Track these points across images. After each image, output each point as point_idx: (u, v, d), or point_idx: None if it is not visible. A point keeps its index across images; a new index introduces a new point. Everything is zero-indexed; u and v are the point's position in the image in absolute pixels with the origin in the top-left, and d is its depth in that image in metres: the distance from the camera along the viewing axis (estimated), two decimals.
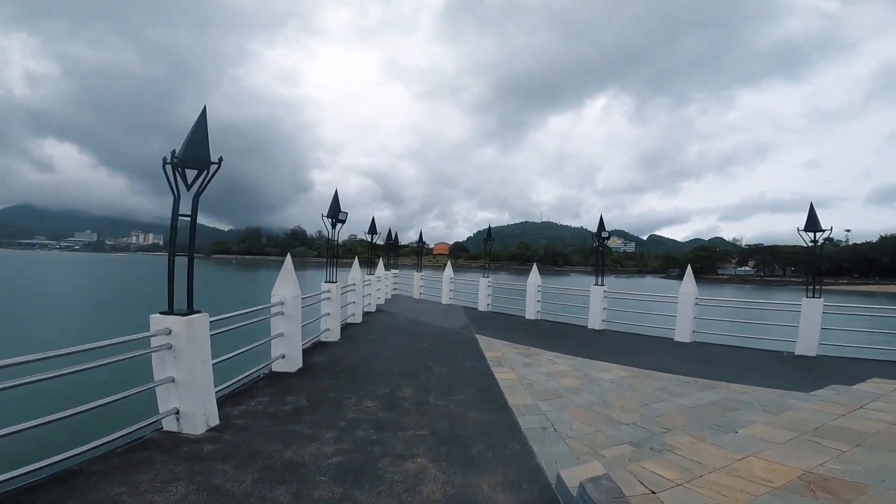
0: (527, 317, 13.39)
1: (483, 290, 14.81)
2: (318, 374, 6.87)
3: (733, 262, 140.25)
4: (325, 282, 9.17)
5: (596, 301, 11.80)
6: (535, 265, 13.70)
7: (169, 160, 4.09)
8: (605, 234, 11.53)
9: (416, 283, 18.36)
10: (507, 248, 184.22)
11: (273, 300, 6.83)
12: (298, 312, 6.98)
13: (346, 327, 10.92)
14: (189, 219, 4.33)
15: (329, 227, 8.94)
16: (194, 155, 4.19)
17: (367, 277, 13.75)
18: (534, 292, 13.22)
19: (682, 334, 10.22)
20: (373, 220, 13.64)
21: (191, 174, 4.24)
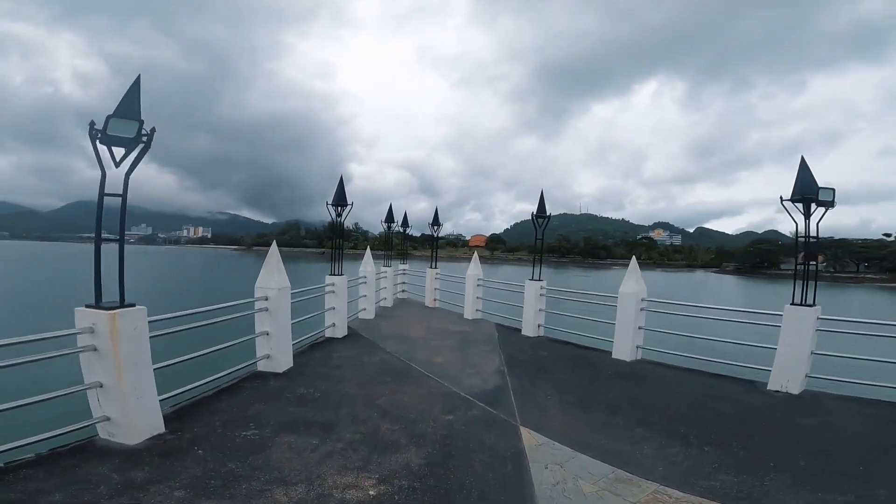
0: (617, 355, 7.13)
1: (532, 300, 8.59)
2: None
3: (800, 256, 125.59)
4: (89, 306, 3.38)
5: (799, 336, 5.39)
6: (633, 261, 7.31)
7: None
8: (828, 195, 5.14)
9: (429, 284, 12.35)
10: (545, 241, 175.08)
11: None
12: None
13: (233, 389, 5.09)
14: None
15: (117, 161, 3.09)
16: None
17: (330, 280, 7.92)
18: (633, 312, 6.91)
19: None
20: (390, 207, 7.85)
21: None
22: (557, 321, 8.93)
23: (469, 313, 10.38)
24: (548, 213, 8.49)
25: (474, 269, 10.41)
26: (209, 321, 5.01)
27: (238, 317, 5.53)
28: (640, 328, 7.01)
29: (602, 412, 4.95)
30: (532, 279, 8.65)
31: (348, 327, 8.51)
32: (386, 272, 11.97)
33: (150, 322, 4.44)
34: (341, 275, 8.00)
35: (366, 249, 10.43)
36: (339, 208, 7.89)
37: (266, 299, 5.57)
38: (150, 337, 4.04)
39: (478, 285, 10.34)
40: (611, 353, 7.27)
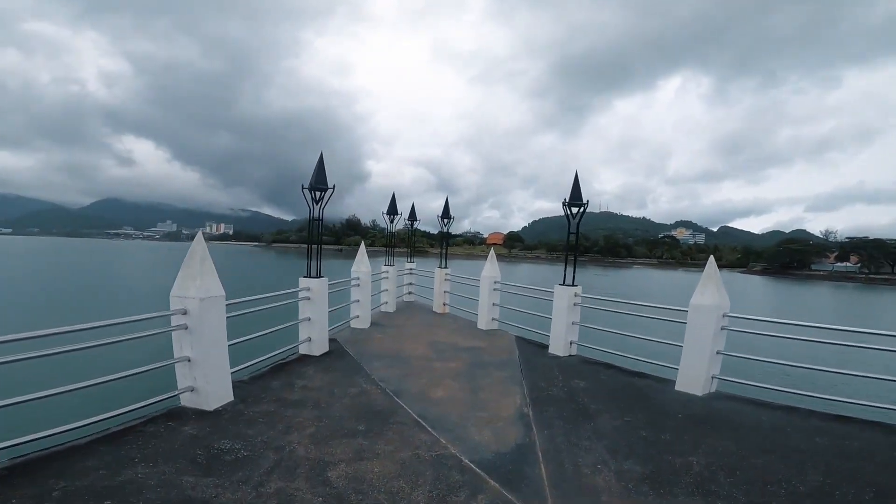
0: (683, 387, 5.23)
1: (564, 311, 6.70)
2: None
3: (831, 257, 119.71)
4: None
5: None
6: (711, 262, 5.32)
7: None
8: None
9: (438, 286, 10.58)
10: (564, 239, 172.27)
11: None
12: None
13: (123, 435, 3.38)
14: None
15: None
16: None
17: (304, 283, 6.25)
18: (710, 331, 5.00)
19: None
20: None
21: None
22: (594, 336, 7.06)
23: (483, 322, 8.58)
24: (584, 200, 6.61)
25: (490, 269, 8.60)
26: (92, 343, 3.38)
27: (144, 336, 3.87)
28: (718, 353, 5.10)
29: (691, 494, 3.11)
30: (564, 283, 6.78)
31: (331, 341, 6.83)
32: (387, 272, 10.25)
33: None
34: (319, 277, 6.29)
35: (360, 245, 8.72)
36: (318, 193, 6.19)
37: (184, 313, 3.88)
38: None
39: (494, 289, 8.52)
40: (673, 382, 5.39)
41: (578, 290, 6.73)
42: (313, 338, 6.26)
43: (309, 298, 6.14)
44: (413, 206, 11.64)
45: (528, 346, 7.34)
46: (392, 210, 10.50)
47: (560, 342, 6.79)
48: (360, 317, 8.23)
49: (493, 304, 8.55)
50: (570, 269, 6.72)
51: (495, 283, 8.51)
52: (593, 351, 6.81)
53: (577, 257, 6.70)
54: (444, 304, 10.45)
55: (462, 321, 9.40)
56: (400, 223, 10.75)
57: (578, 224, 6.58)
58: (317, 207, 6.18)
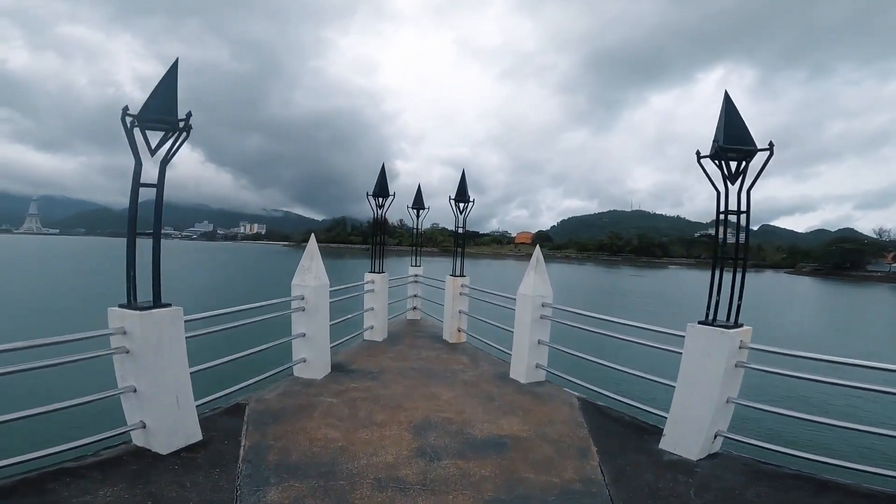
0: None
1: (716, 379, 3.01)
2: None
3: (888, 256, 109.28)
4: None
5: None
6: None
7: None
8: None
9: (451, 303, 7.01)
10: (594, 238, 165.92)
11: None
12: None
13: None
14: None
15: None
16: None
17: (118, 323, 2.78)
18: None
19: None
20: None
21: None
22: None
23: (521, 372, 4.96)
24: (760, 146, 2.93)
25: (535, 283, 4.92)
26: None
27: None
28: None
29: None
30: (711, 322, 3.10)
31: (230, 411, 3.46)
32: (372, 282, 6.78)
33: None
34: (159, 306, 2.86)
35: (310, 238, 5.22)
36: (165, 133, 2.78)
37: None
38: None
39: (542, 316, 4.88)
40: None
41: (746, 334, 3.03)
42: (150, 424, 2.83)
43: (127, 351, 2.71)
44: (419, 188, 8.08)
45: (612, 429, 3.70)
46: (381, 191, 6.94)
47: (696, 435, 3.12)
48: (308, 361, 4.78)
49: (539, 342, 4.92)
50: (721, 282, 3.02)
51: (543, 305, 4.88)
52: (751, 448, 3.12)
53: (745, 266, 2.99)
54: (460, 331, 6.91)
55: (485, 362, 5.83)
56: (394, 212, 7.25)
57: (749, 192, 2.90)
58: (154, 157, 2.78)
